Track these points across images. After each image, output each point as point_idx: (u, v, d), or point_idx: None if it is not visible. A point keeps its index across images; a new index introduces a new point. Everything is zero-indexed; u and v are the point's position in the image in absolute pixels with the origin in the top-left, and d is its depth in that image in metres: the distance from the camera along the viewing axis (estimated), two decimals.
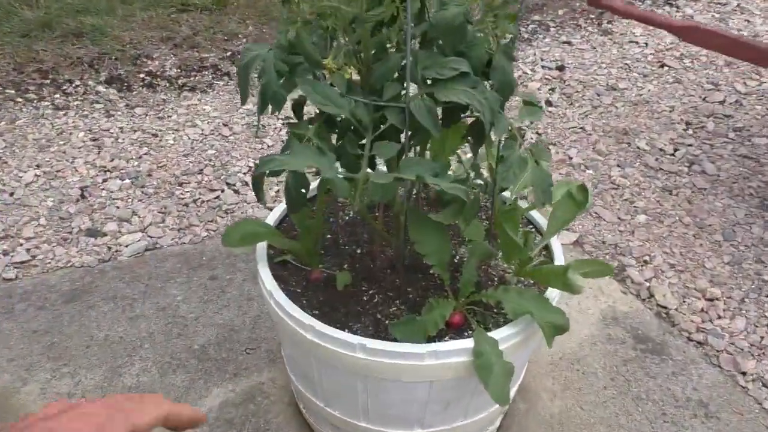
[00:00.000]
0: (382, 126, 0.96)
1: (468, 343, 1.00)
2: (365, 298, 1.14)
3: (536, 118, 1.02)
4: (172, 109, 2.42)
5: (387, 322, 1.08)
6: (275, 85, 0.93)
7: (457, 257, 1.25)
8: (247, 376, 1.46)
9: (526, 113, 1.02)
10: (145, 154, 2.18)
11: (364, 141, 0.97)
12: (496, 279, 1.21)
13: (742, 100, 2.52)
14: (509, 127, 1.02)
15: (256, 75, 1.00)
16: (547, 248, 1.28)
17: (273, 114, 0.94)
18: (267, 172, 0.93)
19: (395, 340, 1.01)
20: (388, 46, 0.98)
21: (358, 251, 1.26)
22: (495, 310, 1.12)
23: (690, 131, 2.35)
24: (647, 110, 2.47)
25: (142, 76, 2.60)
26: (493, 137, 0.97)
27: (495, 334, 1.03)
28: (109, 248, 1.82)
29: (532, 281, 1.20)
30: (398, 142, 0.96)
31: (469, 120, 1.04)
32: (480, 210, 1.37)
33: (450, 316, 1.06)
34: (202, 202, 1.99)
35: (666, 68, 2.74)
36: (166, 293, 1.67)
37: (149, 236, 1.87)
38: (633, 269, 1.80)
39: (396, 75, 0.97)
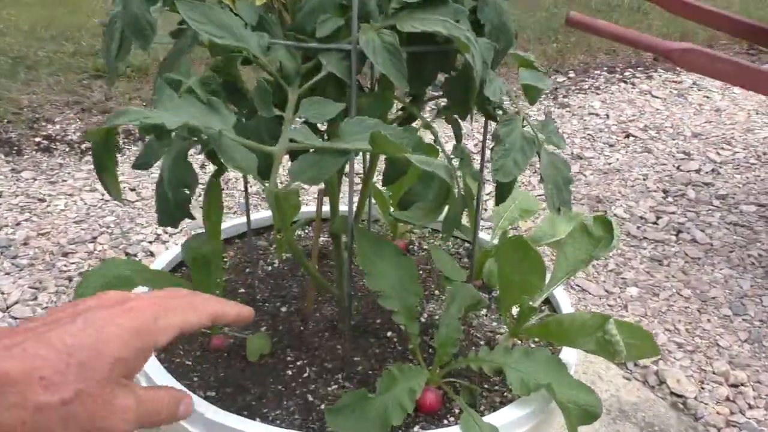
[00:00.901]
0: (313, 84, 0.61)
1: None
2: (290, 373, 0.75)
3: (542, 85, 0.69)
4: (68, 173, 2.02)
5: (323, 406, 0.69)
6: (138, 6, 0.57)
7: (425, 314, 0.88)
8: None
9: (527, 78, 0.69)
10: (25, 220, 1.75)
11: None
12: (482, 342, 0.83)
13: (718, 168, 2.30)
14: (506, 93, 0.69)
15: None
16: (548, 302, 0.92)
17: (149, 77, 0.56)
18: (116, 131, 0.56)
19: None
20: None
21: (283, 309, 0.87)
22: (486, 386, 0.74)
23: (670, 199, 2.09)
24: (619, 178, 2.21)
25: (38, 140, 2.20)
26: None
27: (493, 418, 0.65)
28: None
29: (533, 344, 0.83)
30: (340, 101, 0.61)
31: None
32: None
33: (422, 393, 0.67)
34: None
35: (632, 138, 2.52)
36: None
37: (12, 317, 1.42)
38: None
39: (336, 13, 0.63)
